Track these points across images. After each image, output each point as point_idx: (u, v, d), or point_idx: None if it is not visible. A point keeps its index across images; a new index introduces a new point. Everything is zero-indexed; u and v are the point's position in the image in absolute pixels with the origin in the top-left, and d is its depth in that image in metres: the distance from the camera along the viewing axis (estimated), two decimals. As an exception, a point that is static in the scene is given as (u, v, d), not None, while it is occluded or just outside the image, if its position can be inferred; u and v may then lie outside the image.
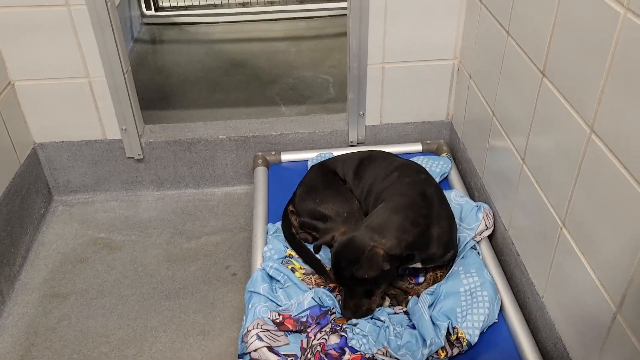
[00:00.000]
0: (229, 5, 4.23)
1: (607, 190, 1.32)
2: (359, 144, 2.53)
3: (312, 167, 2.20)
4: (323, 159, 2.27)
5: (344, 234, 1.74)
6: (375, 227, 1.69)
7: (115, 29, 2.19)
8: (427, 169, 2.24)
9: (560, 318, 1.60)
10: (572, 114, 1.43)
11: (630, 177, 1.22)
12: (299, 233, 2.03)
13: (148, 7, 4.21)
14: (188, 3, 4.25)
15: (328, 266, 1.95)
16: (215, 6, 4.23)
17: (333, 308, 1.76)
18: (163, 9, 4.25)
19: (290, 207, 2.09)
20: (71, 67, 2.26)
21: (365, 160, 2.09)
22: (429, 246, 1.77)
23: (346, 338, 1.68)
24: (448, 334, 1.68)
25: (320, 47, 3.81)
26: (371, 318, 1.74)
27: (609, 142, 1.29)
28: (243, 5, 4.23)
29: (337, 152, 2.36)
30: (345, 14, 2.34)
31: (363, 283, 1.66)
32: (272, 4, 4.24)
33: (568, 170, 1.48)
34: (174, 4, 4.24)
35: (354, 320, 1.72)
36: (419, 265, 1.82)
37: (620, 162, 1.25)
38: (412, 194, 1.81)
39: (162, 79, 3.51)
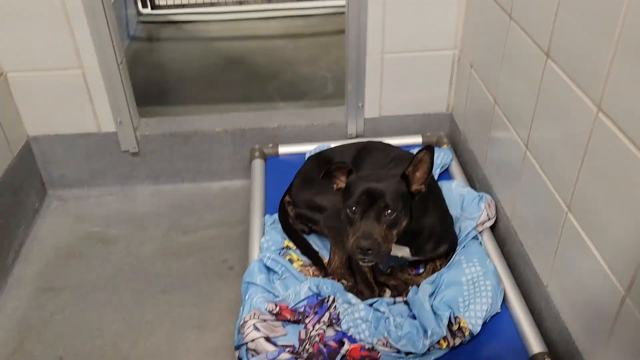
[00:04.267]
0: (226, 4, 4.20)
1: (615, 169, 1.28)
2: (357, 136, 2.49)
3: (309, 157, 2.17)
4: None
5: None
6: None
7: (108, 17, 2.15)
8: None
9: (565, 306, 1.56)
10: (578, 93, 1.39)
11: None
12: (295, 224, 1.99)
13: (144, 6, 4.18)
14: (185, 1, 4.22)
15: (325, 257, 1.91)
16: (212, 4, 4.20)
17: (330, 296, 1.71)
18: (160, 7, 4.21)
19: (287, 198, 2.05)
20: (64, 57, 2.22)
21: (362, 151, 2.06)
22: (420, 235, 1.73)
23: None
24: (450, 323, 1.64)
25: (318, 44, 3.77)
26: (370, 305, 1.70)
27: (617, 119, 1.25)
28: (240, 3, 4.20)
29: (335, 145, 2.32)
30: (343, 12, 2.30)
31: (390, 200, 1.54)
32: (269, 1, 4.20)
33: (574, 152, 1.44)
34: (170, 2, 4.21)
35: (354, 305, 1.67)
36: (409, 256, 1.78)
37: (630, 139, 1.21)
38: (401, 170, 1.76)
39: (158, 76, 3.47)
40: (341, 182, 1.67)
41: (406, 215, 1.59)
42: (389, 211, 1.54)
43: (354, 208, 1.57)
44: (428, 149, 1.56)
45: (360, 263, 1.64)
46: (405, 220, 1.59)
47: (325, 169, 1.66)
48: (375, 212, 1.54)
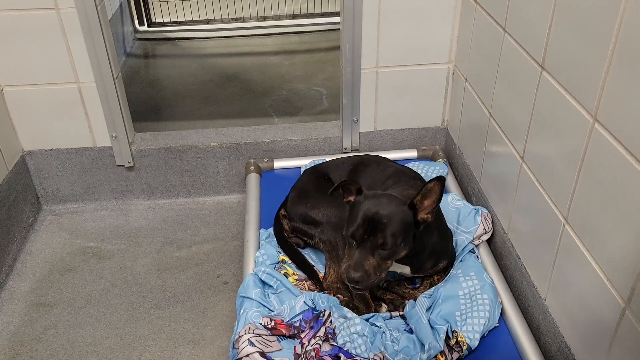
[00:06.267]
0: (221, 21, 4.21)
1: (612, 180, 1.27)
2: (353, 150, 2.48)
3: (304, 171, 2.16)
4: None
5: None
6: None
7: (105, 32, 2.15)
8: (422, 175, 2.21)
9: (564, 320, 1.55)
10: (573, 104, 1.39)
11: (637, 164, 1.17)
12: (290, 237, 1.98)
13: (141, 23, 4.18)
14: (181, 19, 4.23)
15: (321, 272, 1.89)
16: (208, 21, 4.21)
17: (326, 310, 1.69)
18: (156, 24, 4.22)
19: (282, 211, 2.03)
20: (60, 72, 2.22)
21: (359, 165, 2.05)
22: (422, 254, 1.72)
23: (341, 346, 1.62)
24: (447, 338, 1.62)
25: (313, 60, 3.78)
26: (367, 320, 1.68)
27: (613, 129, 1.25)
28: (236, 20, 4.22)
29: (331, 159, 2.31)
30: (337, 29, 2.30)
31: (389, 236, 1.52)
32: (264, 19, 4.22)
33: (570, 163, 1.44)
34: (167, 19, 4.22)
35: (350, 319, 1.66)
36: (408, 272, 1.76)
37: (626, 149, 1.20)
38: (409, 194, 1.75)
39: (154, 92, 3.47)
40: (352, 196, 1.66)
41: (406, 245, 1.58)
42: (386, 246, 1.54)
43: (352, 235, 1.56)
44: (439, 179, 1.55)
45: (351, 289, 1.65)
46: (404, 251, 1.59)
47: (334, 186, 1.66)
48: (372, 244, 1.54)
